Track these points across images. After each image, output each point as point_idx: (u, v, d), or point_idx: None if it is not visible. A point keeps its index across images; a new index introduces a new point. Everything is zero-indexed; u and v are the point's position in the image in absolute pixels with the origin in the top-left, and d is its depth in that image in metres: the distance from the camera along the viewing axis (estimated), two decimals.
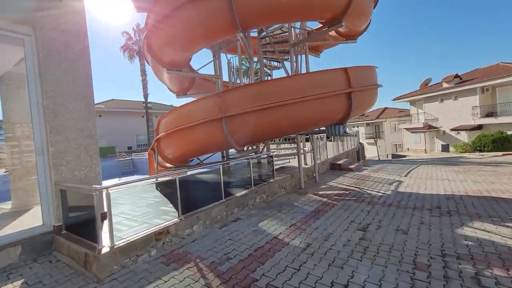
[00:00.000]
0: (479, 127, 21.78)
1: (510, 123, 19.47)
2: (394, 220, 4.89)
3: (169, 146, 6.80)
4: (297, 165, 7.93)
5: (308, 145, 10.42)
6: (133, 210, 5.36)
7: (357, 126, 40.32)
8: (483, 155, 17.23)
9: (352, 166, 11.19)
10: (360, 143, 20.53)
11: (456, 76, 24.92)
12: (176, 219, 4.29)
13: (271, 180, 7.13)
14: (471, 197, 6.21)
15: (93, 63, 4.74)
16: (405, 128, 30.52)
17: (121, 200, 6.09)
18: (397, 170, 11.39)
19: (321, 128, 6.94)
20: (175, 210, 4.46)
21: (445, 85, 25.48)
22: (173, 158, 7.20)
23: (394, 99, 31.53)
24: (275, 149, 10.03)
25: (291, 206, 6.10)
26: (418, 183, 8.24)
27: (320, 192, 7.28)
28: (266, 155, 7.81)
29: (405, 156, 25.97)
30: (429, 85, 30.16)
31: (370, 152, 34.40)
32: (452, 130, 24.16)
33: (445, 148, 25.27)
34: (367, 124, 39.83)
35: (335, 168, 11.35)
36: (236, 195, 5.77)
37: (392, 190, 7.33)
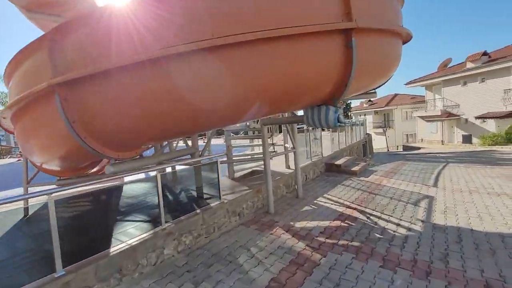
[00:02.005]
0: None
1: None
2: None
3: (23, 142, 3.77)
4: (277, 168, 4.93)
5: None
6: None
7: (364, 115, 36.76)
8: None
9: (355, 168, 8.09)
10: (368, 134, 17.33)
11: (485, 53, 20.97)
12: None
13: (212, 205, 4.14)
14: None
15: None
16: (419, 116, 26.85)
17: None
18: (418, 172, 8.25)
19: (297, 113, 3.86)
20: None
21: (469, 65, 21.61)
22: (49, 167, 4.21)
23: (407, 84, 27.74)
24: (237, 146, 6.91)
25: (231, 265, 3.12)
26: (461, 202, 5.13)
27: (298, 224, 4.26)
28: (214, 160, 4.78)
29: (418, 148, 22.61)
30: (448, 66, 26.24)
31: (379, 143, 31.04)
32: (477, 118, 20.51)
33: (466, 139, 21.71)
34: (375, 112, 36.15)
35: (332, 170, 8.28)
36: (110, 250, 2.81)
37: (422, 221, 4.26)
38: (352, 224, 4.21)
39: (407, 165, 9.74)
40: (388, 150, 27.35)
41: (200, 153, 4.47)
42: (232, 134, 6.34)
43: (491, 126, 19.64)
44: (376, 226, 4.11)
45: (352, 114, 38.84)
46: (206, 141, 4.66)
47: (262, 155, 4.86)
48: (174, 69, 2.24)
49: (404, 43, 4.25)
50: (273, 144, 6.44)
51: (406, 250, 3.32)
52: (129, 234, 3.27)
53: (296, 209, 4.96)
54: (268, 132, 6.37)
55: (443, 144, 23.56)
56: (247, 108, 2.54)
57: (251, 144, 7.50)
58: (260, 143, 7.20)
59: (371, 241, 3.59)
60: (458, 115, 22.25)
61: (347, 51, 2.67)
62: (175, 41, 2.19)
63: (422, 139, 27.03)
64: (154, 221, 3.52)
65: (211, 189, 4.69)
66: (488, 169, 8.46)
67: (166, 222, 3.43)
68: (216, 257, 3.32)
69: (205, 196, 4.57)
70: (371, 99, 38.90)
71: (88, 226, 3.69)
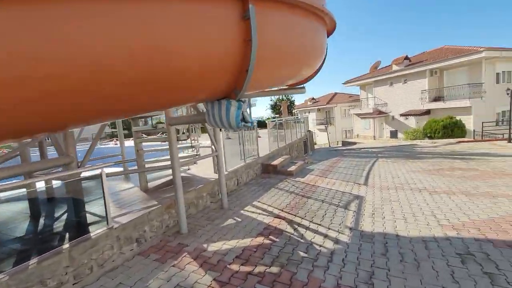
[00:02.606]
0: (428, 112, 20.76)
1: (457, 107, 18.54)
2: None
3: None
4: (204, 174, 4.02)
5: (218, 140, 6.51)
6: None
7: (308, 112, 38.45)
8: (435, 143, 15.73)
9: (292, 169, 7.74)
10: (309, 131, 17.68)
11: (406, 58, 23.57)
12: None
13: (92, 234, 3.05)
14: (501, 250, 3.05)
15: None
16: (355, 114, 29.08)
17: None
18: (351, 169, 8.34)
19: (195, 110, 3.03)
20: None
21: (395, 67, 24.05)
22: None
23: (344, 83, 29.76)
24: (149, 150, 5.77)
25: None
26: (388, 201, 5.04)
27: (212, 247, 3.47)
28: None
29: (355, 143, 24.34)
30: (378, 68, 28.91)
31: (322, 139, 32.75)
32: (401, 115, 22.97)
33: (393, 135, 24.21)
34: (318, 110, 38.12)
35: (268, 171, 7.77)
36: None
37: (350, 229, 3.90)
38: (276, 240, 3.60)
39: (342, 162, 9.90)
40: (329, 146, 28.93)
41: (79, 163, 3.29)
42: (143, 135, 5.20)
43: (412, 122, 22.11)
44: (302, 240, 3.58)
45: (297, 112, 40.18)
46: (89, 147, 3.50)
47: (164, 161, 3.90)
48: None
49: (329, 34, 3.80)
50: (193, 147, 5.53)
51: (330, 272, 2.80)
52: None
53: (216, 225, 4.17)
54: (187, 132, 5.43)
55: (375, 139, 25.84)
56: (87, 99, 1.59)
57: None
58: (185, 145, 6.20)
59: (293, 263, 3.00)
60: (387, 113, 24.58)
61: (245, 24, 1.94)
62: None
63: (358, 135, 29.30)
64: None
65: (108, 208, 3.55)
66: (410, 163, 9.05)
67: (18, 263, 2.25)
68: None
69: (89, 220, 3.43)
70: (314, 97, 40.92)
71: None
